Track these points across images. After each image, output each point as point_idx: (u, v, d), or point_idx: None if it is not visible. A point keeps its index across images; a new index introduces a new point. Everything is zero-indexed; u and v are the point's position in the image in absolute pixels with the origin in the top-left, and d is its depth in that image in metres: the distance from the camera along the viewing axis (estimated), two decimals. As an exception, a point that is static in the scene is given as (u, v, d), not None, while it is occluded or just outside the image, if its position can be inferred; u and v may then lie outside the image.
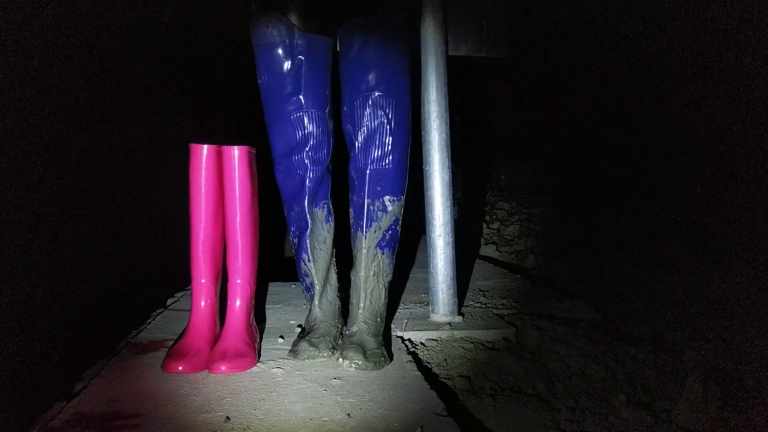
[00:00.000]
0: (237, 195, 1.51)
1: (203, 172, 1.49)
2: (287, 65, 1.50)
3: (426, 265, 1.82)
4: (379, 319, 1.53)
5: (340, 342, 1.53)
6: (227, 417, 1.16)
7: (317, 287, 1.59)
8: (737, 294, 2.05)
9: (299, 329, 1.69)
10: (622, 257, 2.58)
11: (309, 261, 1.59)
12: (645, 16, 3.63)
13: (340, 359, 1.42)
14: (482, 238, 3.13)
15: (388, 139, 1.52)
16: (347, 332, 1.50)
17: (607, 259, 2.58)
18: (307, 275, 1.61)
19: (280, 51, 1.50)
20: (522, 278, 2.31)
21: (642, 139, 3.69)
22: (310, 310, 1.62)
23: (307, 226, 1.58)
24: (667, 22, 3.52)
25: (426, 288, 1.85)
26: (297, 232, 1.62)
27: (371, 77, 1.51)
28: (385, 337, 1.55)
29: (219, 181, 1.52)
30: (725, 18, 3.22)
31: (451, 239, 1.79)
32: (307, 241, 1.58)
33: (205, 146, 1.49)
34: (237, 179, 1.50)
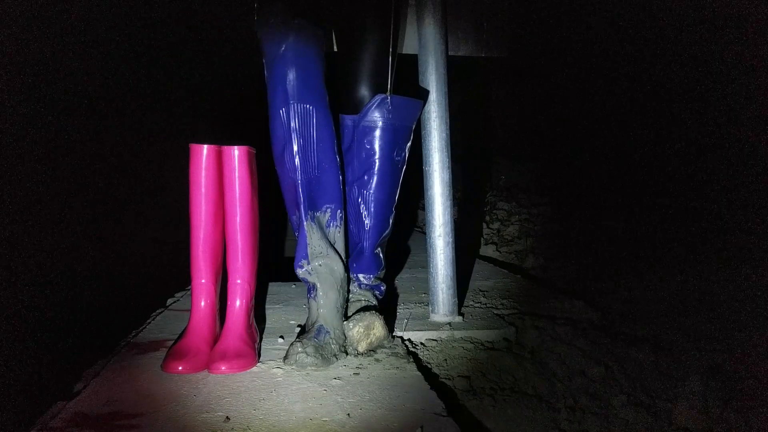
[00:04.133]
0: (237, 195, 1.50)
1: (203, 172, 1.49)
2: (278, 53, 1.44)
3: (426, 265, 1.82)
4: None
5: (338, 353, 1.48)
6: (227, 417, 1.16)
7: (320, 293, 1.52)
8: (737, 294, 2.05)
9: (299, 329, 1.69)
10: (622, 257, 2.58)
11: (307, 265, 1.52)
12: (646, 15, 3.63)
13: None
14: (482, 238, 3.13)
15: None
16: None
17: (608, 259, 2.58)
18: (305, 281, 1.55)
19: (273, 39, 1.45)
20: (522, 278, 2.31)
21: (642, 138, 3.69)
22: (309, 312, 1.57)
23: (304, 233, 1.51)
24: (668, 20, 3.52)
25: (426, 288, 1.85)
26: (297, 238, 1.56)
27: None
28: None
29: (219, 181, 1.52)
30: (727, 16, 3.22)
31: (451, 239, 1.79)
32: (307, 249, 1.51)
33: (205, 146, 1.49)
34: (237, 179, 1.50)
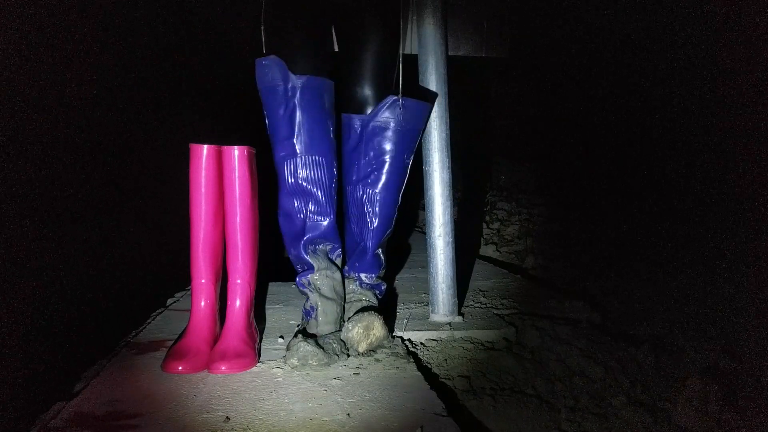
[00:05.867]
0: (237, 195, 1.51)
1: (203, 172, 1.49)
2: (282, 109, 1.52)
3: (426, 265, 1.82)
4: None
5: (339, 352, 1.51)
6: (227, 417, 1.16)
7: (319, 310, 1.56)
8: (737, 294, 2.05)
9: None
10: (622, 257, 2.58)
11: (309, 284, 1.59)
12: (645, 15, 3.63)
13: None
14: (482, 238, 3.13)
15: None
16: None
17: (608, 259, 2.58)
18: (307, 299, 1.61)
19: (276, 94, 1.51)
20: (522, 278, 2.31)
21: (642, 138, 3.69)
22: (308, 323, 1.59)
23: (311, 267, 1.58)
24: (668, 20, 3.52)
25: (426, 288, 1.85)
26: (299, 270, 1.63)
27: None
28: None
29: (219, 181, 1.52)
30: (726, 16, 3.22)
31: (451, 239, 1.79)
32: (314, 275, 1.58)
33: (205, 146, 1.49)
34: (237, 179, 1.50)
